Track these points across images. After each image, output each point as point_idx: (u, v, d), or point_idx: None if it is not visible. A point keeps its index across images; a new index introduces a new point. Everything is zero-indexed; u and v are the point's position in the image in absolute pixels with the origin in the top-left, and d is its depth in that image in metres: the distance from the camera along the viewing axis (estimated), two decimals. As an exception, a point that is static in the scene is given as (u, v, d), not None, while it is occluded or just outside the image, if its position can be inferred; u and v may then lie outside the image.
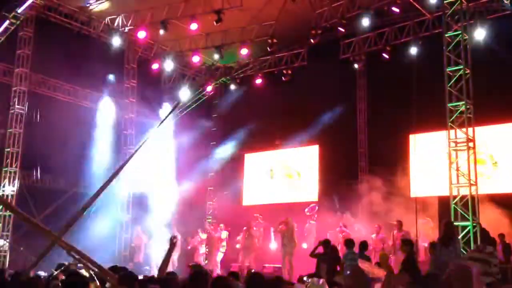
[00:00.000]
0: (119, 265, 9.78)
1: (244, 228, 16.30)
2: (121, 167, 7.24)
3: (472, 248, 10.12)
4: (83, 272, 5.98)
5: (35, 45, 16.58)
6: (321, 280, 5.89)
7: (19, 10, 15.56)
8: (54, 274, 7.48)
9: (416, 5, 14.98)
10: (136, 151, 7.06)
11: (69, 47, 16.84)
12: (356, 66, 17.57)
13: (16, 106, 16.23)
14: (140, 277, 8.32)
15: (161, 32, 16.12)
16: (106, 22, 17.47)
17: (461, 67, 12.10)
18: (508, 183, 14.38)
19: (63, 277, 6.51)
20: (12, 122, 16.15)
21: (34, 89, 17.51)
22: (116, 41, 17.42)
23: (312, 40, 16.35)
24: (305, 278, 10.38)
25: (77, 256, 5.25)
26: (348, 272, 10.16)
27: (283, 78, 18.31)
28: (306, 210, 17.18)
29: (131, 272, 6.49)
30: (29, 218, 5.73)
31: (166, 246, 6.37)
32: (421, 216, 14.15)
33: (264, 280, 3.85)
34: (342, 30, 15.87)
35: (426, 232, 14.26)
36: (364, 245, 11.54)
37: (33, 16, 16.43)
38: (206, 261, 17.54)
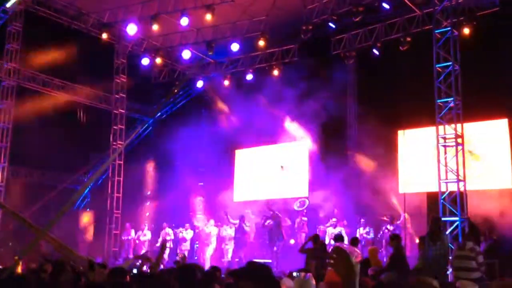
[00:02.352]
0: (108, 261, 9.79)
1: (237, 221, 16.31)
2: (108, 163, 7.24)
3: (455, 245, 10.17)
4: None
5: (24, 40, 16.49)
6: (308, 275, 5.90)
7: (8, 5, 15.47)
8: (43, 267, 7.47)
9: (406, 2, 15.01)
10: (122, 147, 7.06)
11: (58, 42, 16.76)
12: (346, 62, 17.55)
13: (5, 101, 16.16)
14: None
15: (154, 27, 16.03)
16: (95, 16, 17.38)
17: (451, 63, 12.17)
18: (499, 179, 14.46)
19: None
20: (1, 116, 16.07)
21: (23, 83, 17.42)
22: (105, 36, 17.34)
23: (303, 36, 16.34)
24: (294, 274, 10.41)
25: (63, 251, 5.25)
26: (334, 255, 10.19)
27: (274, 74, 18.31)
28: (296, 205, 17.21)
29: (121, 267, 6.50)
30: (16, 213, 5.71)
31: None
32: (408, 211, 14.26)
33: (258, 267, 3.88)
34: (333, 26, 15.88)
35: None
36: (355, 240, 11.60)
37: (22, 11, 16.34)
38: (196, 257, 17.55)
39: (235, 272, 5.00)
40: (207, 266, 15.82)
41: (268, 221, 14.93)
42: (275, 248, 14.78)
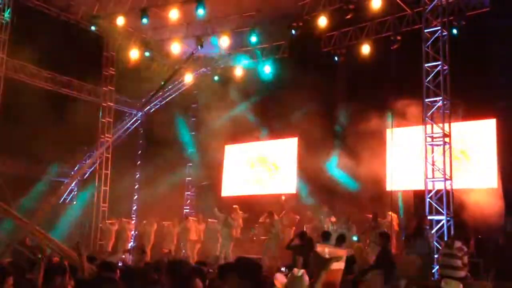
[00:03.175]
0: (95, 254, 9.73)
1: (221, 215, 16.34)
2: (96, 156, 7.19)
3: (443, 243, 10.28)
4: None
5: (13, 31, 16.31)
6: (301, 271, 5.93)
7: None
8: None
9: (397, 0, 15.05)
10: (111, 141, 7.01)
11: (47, 33, 16.57)
12: (336, 59, 17.53)
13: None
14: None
15: (143, 20, 15.91)
16: (85, 8, 17.23)
17: (439, 63, 12.24)
18: (484, 178, 14.58)
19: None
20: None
21: (11, 75, 17.24)
22: (95, 28, 17.20)
23: (293, 33, 16.32)
24: (282, 269, 10.44)
25: (50, 244, 5.21)
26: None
27: (264, 69, 18.29)
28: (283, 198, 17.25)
29: (111, 261, 6.47)
30: (1, 205, 5.65)
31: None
32: (395, 209, 14.33)
33: (247, 262, 3.87)
34: (324, 23, 15.87)
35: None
36: (341, 237, 11.65)
37: (11, 1, 16.14)
38: (184, 251, 17.54)
39: (223, 266, 5.00)
40: (193, 261, 15.83)
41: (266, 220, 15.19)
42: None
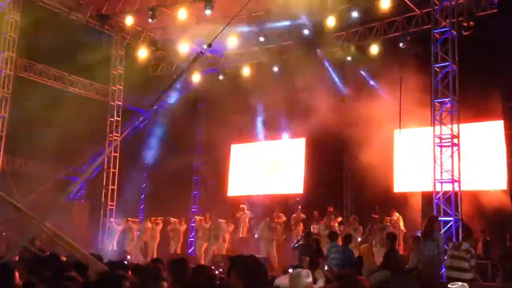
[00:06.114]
0: (101, 253, 9.77)
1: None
2: (105, 155, 7.21)
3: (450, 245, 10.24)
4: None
5: (22, 29, 16.40)
6: (302, 271, 5.91)
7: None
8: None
9: (406, 1, 15.01)
10: (119, 140, 7.01)
11: (56, 32, 16.66)
12: (345, 59, 17.49)
13: (1, 90, 16.10)
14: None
15: (150, 20, 15.99)
16: (94, 7, 17.31)
17: (448, 63, 12.18)
18: (492, 180, 14.50)
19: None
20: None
21: (20, 73, 17.35)
22: (104, 27, 17.28)
23: (301, 32, 16.32)
24: (290, 270, 10.42)
25: (59, 241, 5.22)
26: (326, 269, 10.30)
27: (271, 69, 18.28)
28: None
29: (121, 260, 6.50)
30: (11, 201, 5.66)
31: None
32: (403, 211, 14.30)
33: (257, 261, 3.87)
34: (332, 23, 15.86)
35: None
36: (348, 238, 11.62)
37: (20, 0, 16.24)
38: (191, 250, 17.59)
39: (233, 258, 4.98)
40: (202, 261, 15.85)
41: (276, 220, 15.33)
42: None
